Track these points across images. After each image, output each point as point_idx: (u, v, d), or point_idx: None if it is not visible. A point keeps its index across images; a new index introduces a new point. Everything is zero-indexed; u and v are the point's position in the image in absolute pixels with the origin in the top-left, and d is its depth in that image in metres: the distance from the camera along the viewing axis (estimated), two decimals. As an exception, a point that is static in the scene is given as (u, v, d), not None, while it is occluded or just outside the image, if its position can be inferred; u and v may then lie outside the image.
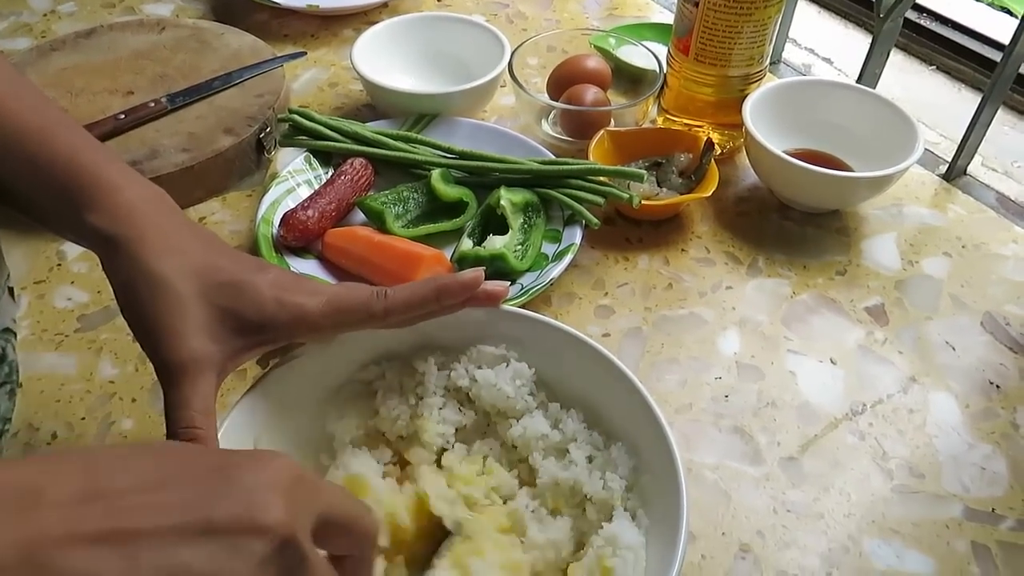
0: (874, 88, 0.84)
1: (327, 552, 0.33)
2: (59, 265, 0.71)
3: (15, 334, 0.51)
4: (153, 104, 0.79)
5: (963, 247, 0.75)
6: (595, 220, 0.69)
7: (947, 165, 0.82)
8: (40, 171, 0.43)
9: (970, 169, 0.83)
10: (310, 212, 0.68)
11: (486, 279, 0.61)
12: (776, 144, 0.73)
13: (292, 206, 0.70)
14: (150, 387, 0.62)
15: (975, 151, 0.81)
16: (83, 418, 0.60)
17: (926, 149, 0.85)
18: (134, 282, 0.42)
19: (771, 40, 0.76)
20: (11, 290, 0.52)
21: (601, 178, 0.72)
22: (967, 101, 0.82)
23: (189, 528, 0.27)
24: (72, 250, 0.72)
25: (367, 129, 0.77)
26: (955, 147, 0.81)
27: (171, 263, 0.42)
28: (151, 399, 0.61)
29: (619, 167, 0.73)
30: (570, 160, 0.73)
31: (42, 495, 0.26)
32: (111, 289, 0.44)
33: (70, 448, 0.45)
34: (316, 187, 0.73)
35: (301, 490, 0.30)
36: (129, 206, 0.43)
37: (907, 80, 0.96)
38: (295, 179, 0.74)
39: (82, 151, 0.44)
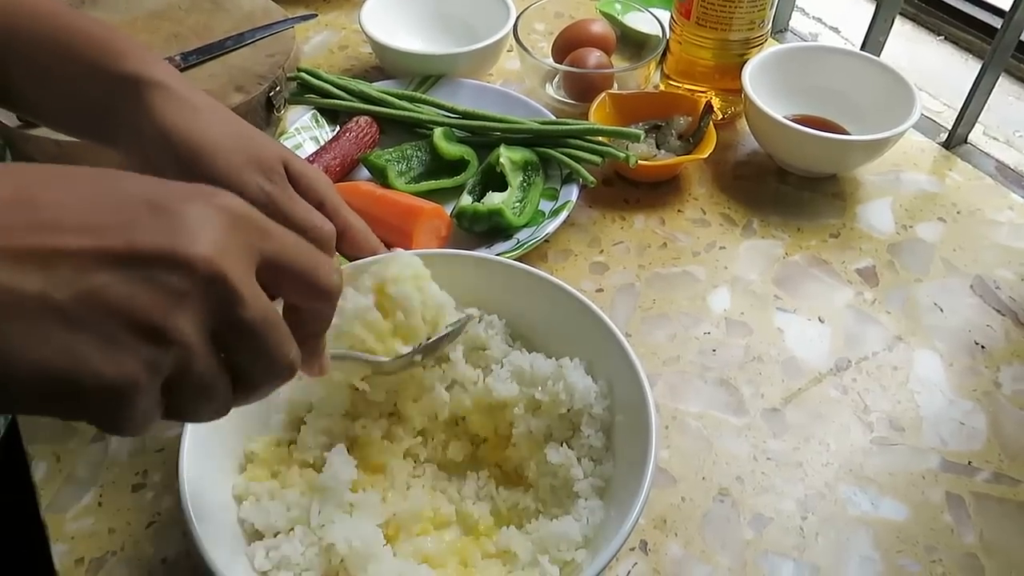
0: (878, 56, 0.84)
1: (283, 299, 0.33)
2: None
3: None
4: (167, 62, 0.81)
5: (958, 213, 0.76)
6: (591, 178, 0.71)
7: (947, 133, 0.83)
8: (62, 40, 0.46)
9: (971, 138, 0.83)
10: (315, 166, 0.70)
11: (485, 234, 0.67)
12: (776, 109, 0.74)
13: (298, 161, 0.73)
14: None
15: (976, 119, 0.81)
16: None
17: (928, 117, 0.86)
18: (186, 111, 0.45)
19: (772, 4, 0.77)
20: None
21: (599, 138, 0.74)
22: (973, 71, 0.82)
23: (109, 252, 0.26)
24: (87, 201, 0.75)
25: (373, 88, 0.79)
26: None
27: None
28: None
29: (616, 127, 0.74)
30: (569, 120, 0.74)
31: None
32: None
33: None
34: (322, 144, 0.75)
35: (243, 228, 0.29)
36: (157, 59, 0.47)
37: (914, 50, 0.96)
38: (302, 135, 0.76)
39: (101, 23, 0.48)
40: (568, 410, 0.50)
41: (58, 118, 0.51)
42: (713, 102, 0.80)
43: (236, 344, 0.30)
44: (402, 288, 0.49)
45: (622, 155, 0.71)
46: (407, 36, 0.88)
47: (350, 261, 0.53)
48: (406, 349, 0.49)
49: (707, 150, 0.74)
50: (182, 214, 0.28)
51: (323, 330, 0.36)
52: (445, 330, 0.50)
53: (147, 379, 0.27)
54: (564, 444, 0.50)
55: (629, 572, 0.51)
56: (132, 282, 0.27)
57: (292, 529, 0.46)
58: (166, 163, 0.46)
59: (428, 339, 0.50)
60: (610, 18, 0.92)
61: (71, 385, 0.26)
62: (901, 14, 0.88)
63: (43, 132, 0.70)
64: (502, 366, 0.53)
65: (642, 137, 0.73)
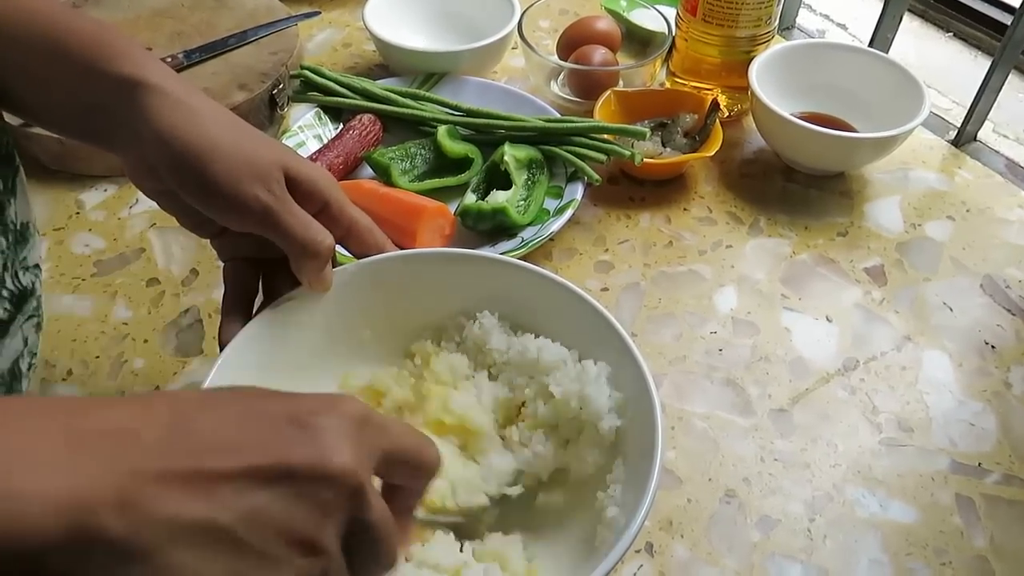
0: (887, 52, 0.84)
1: (386, 481, 0.35)
2: (78, 213, 0.73)
3: (40, 270, 0.53)
4: (170, 60, 0.81)
5: (967, 211, 0.75)
6: (596, 176, 0.70)
7: (956, 131, 0.82)
8: (57, 42, 0.45)
9: (981, 135, 0.82)
10: (318, 164, 0.70)
11: (489, 232, 0.66)
12: (783, 107, 0.73)
13: (301, 159, 0.72)
14: (161, 329, 0.64)
15: (985, 116, 0.81)
16: (97, 356, 0.63)
17: (937, 115, 0.85)
18: (184, 114, 0.45)
19: (779, 1, 0.76)
20: (36, 230, 0.54)
21: (605, 136, 0.73)
22: (982, 68, 0.82)
23: (265, 472, 0.28)
24: (90, 199, 0.75)
25: (376, 86, 0.79)
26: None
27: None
28: (162, 340, 0.64)
29: (622, 125, 0.73)
30: (574, 118, 0.74)
31: (138, 437, 0.27)
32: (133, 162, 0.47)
33: (153, 392, 0.48)
34: (325, 141, 0.75)
35: (368, 432, 0.31)
36: (155, 60, 0.46)
37: (923, 47, 0.95)
38: (305, 133, 0.76)
39: (98, 23, 0.47)
40: (574, 418, 0.50)
41: (55, 120, 0.51)
42: (719, 100, 0.79)
43: (359, 545, 0.32)
44: None
45: (627, 153, 0.71)
46: (411, 33, 0.88)
47: (357, 259, 0.52)
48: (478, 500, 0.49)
49: (713, 148, 0.73)
50: (320, 428, 0.30)
51: (416, 505, 0.37)
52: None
53: None
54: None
55: (635, 574, 0.51)
56: (288, 498, 0.28)
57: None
58: (164, 167, 0.45)
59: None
60: (615, 15, 0.92)
61: None
62: (909, 11, 0.88)
63: (45, 131, 0.69)
64: (507, 359, 0.52)
65: (648, 135, 0.73)
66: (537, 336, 0.53)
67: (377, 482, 0.34)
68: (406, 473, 0.35)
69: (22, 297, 0.48)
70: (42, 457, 0.26)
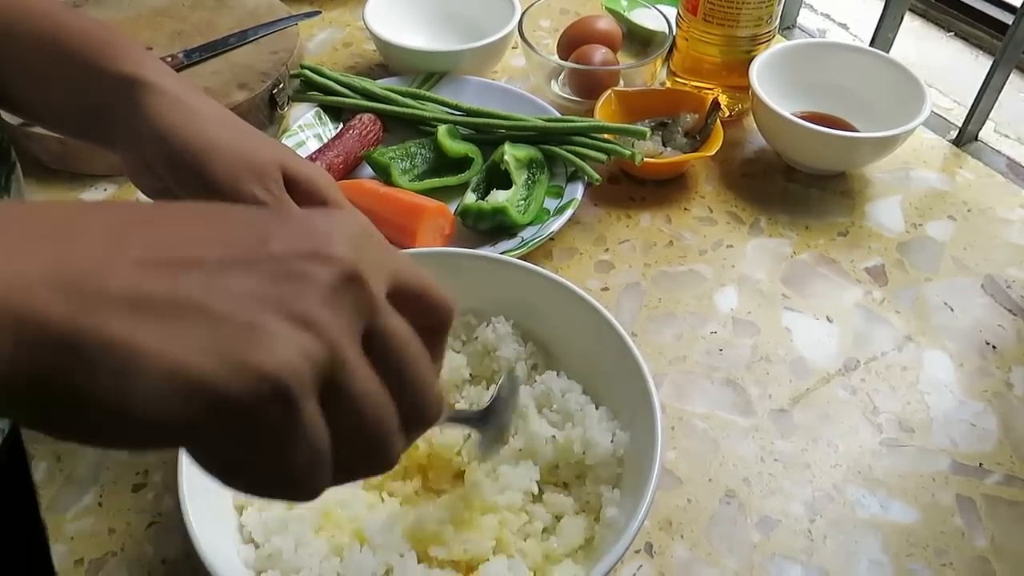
0: (888, 52, 0.83)
1: None
2: (77, 213, 0.73)
3: None
4: (170, 59, 0.81)
5: (969, 211, 0.75)
6: (596, 175, 0.70)
7: (958, 131, 0.82)
8: (55, 40, 0.45)
9: (982, 135, 0.82)
10: (318, 163, 0.70)
11: (489, 232, 0.66)
12: (783, 106, 0.73)
13: (301, 159, 0.72)
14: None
15: (986, 116, 0.80)
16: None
17: (938, 114, 0.85)
18: (182, 112, 0.44)
19: (780, 0, 0.76)
20: None
21: (605, 136, 0.73)
22: (984, 68, 0.82)
23: (244, 258, 0.24)
24: (90, 198, 0.75)
25: (377, 85, 0.79)
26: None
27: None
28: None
29: (622, 124, 0.73)
30: (575, 118, 0.74)
31: (87, 229, 0.24)
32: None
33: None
34: (325, 141, 0.75)
35: (372, 244, 0.27)
36: (153, 59, 0.46)
37: (923, 46, 0.95)
38: (305, 133, 0.76)
39: (97, 22, 0.47)
40: (577, 462, 0.50)
41: (54, 119, 0.51)
42: (720, 99, 0.79)
43: (385, 364, 0.27)
44: None
45: (628, 152, 0.71)
46: (411, 33, 0.88)
47: None
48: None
49: (714, 147, 0.73)
50: (312, 222, 0.26)
51: (442, 352, 0.33)
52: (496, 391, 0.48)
53: (308, 372, 0.24)
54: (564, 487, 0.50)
55: (635, 574, 0.51)
56: (271, 276, 0.24)
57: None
58: (162, 166, 0.45)
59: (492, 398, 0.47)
60: (616, 15, 0.92)
61: (225, 389, 0.22)
62: (910, 10, 0.87)
63: (45, 130, 0.69)
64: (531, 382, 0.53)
65: (648, 135, 0.72)
66: (559, 373, 0.53)
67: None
68: (419, 310, 0.29)
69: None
70: None
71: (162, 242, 0.24)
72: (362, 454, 0.27)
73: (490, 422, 0.45)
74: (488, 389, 0.53)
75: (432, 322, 0.30)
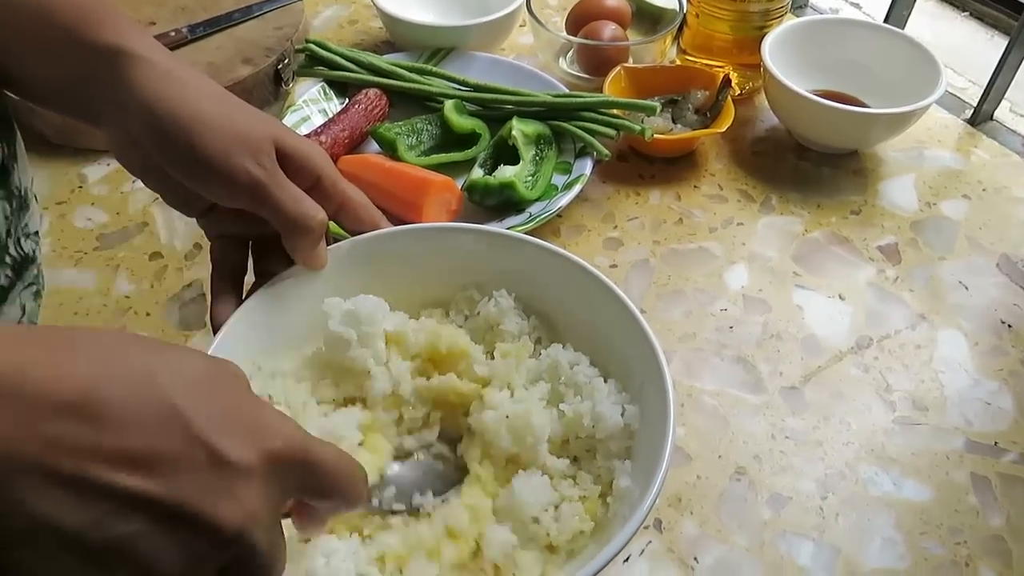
0: (902, 29, 0.82)
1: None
2: (80, 187, 0.73)
3: (39, 237, 0.52)
4: (174, 34, 0.80)
5: (984, 190, 0.73)
6: (605, 151, 0.69)
7: (973, 110, 0.80)
8: (40, 9, 0.44)
9: (997, 115, 0.81)
10: (323, 138, 0.69)
11: (496, 207, 0.65)
12: (796, 84, 0.72)
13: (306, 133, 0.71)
14: (164, 303, 0.64)
15: (1002, 96, 0.79)
16: (99, 330, 0.62)
17: (952, 94, 0.84)
18: (172, 85, 0.43)
19: (793, -25, 0.75)
20: (35, 197, 0.53)
21: (614, 111, 0.72)
22: (998, 47, 0.80)
23: (152, 501, 0.26)
24: (93, 173, 0.74)
25: (383, 60, 0.78)
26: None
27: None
28: (164, 314, 0.63)
29: (632, 100, 0.72)
30: (584, 93, 0.73)
31: (37, 402, 0.25)
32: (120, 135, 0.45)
33: (79, 331, 0.44)
34: (331, 116, 0.74)
35: (292, 471, 0.30)
36: (140, 29, 0.45)
37: (937, 26, 0.94)
38: (310, 108, 0.75)
39: None
40: (587, 436, 0.49)
41: (40, 93, 0.49)
42: (731, 77, 0.78)
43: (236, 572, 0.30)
44: None
45: (637, 128, 0.70)
46: (418, 9, 0.86)
47: (351, 235, 0.51)
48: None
49: (725, 124, 0.72)
50: (234, 471, 0.28)
51: (328, 520, 0.37)
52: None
53: None
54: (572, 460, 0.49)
55: (643, 551, 0.50)
56: (162, 538, 0.26)
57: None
58: (149, 140, 0.43)
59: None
60: (625, -8, 0.90)
61: None
62: (925, -12, 0.86)
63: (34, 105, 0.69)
64: (537, 355, 0.52)
65: (658, 110, 0.71)
66: (565, 346, 0.52)
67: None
68: (325, 505, 0.34)
69: (23, 264, 0.47)
70: None
71: (91, 449, 0.25)
72: None
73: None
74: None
75: (337, 508, 0.34)
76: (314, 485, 0.32)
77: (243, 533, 0.28)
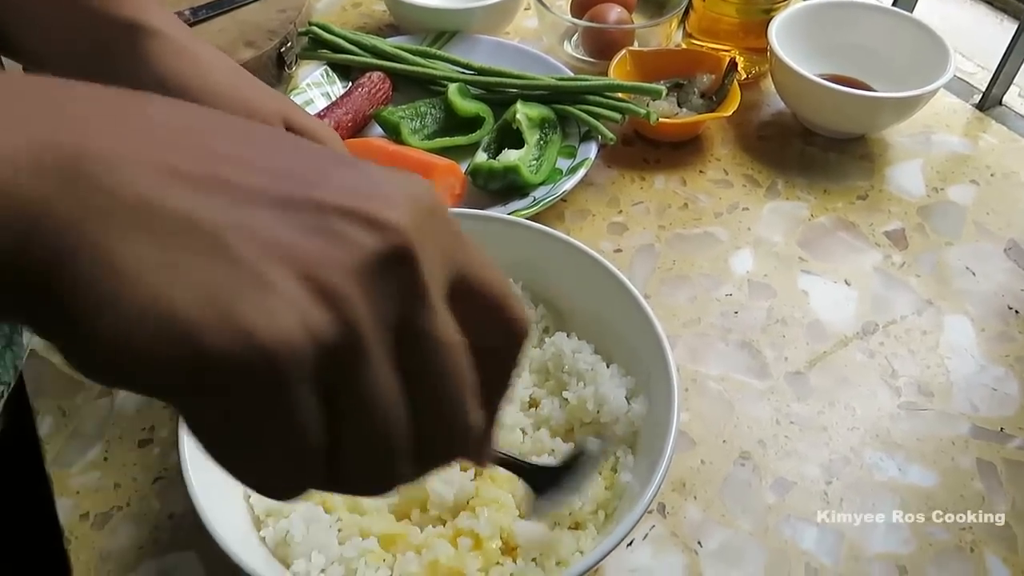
0: (911, 12, 0.81)
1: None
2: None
3: None
4: (166, 8, 0.79)
5: (992, 175, 0.73)
6: (610, 135, 0.69)
7: (981, 95, 0.80)
8: None
9: (1006, 100, 0.80)
10: (326, 122, 0.69)
11: (500, 191, 0.64)
12: (803, 68, 0.71)
13: (309, 117, 0.71)
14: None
15: (1011, 80, 0.78)
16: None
17: (961, 78, 0.83)
18: (185, 60, 0.43)
19: (801, -43, 0.74)
20: None
21: (619, 95, 0.71)
22: (1008, 31, 0.79)
23: (282, 196, 0.20)
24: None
25: (386, 44, 0.77)
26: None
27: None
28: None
29: (637, 83, 0.72)
30: (588, 76, 0.72)
31: (129, 111, 0.21)
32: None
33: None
34: (334, 99, 0.73)
35: (441, 225, 0.23)
36: (156, 4, 0.45)
37: (946, 9, 0.93)
38: (313, 91, 0.74)
39: None
40: (592, 421, 0.49)
41: (55, 65, 0.49)
42: (737, 61, 0.77)
43: (416, 369, 0.22)
44: None
45: (643, 111, 0.69)
46: (422, -8, 0.86)
47: None
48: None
49: (731, 108, 0.71)
50: (376, 176, 0.22)
51: (504, 391, 0.26)
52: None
53: (307, 349, 0.19)
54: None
55: (647, 535, 0.50)
56: (306, 228, 0.20)
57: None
58: None
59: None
60: (631, -25, 0.89)
61: (210, 343, 0.19)
62: (934, -29, 0.85)
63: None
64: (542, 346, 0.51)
65: (664, 94, 0.71)
66: (569, 335, 0.52)
67: None
68: (489, 320, 0.24)
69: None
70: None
71: (196, 152, 0.20)
72: (356, 470, 0.22)
73: (549, 485, 0.41)
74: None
75: (500, 342, 0.25)
76: (471, 268, 0.23)
77: (405, 232, 0.21)
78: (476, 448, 0.25)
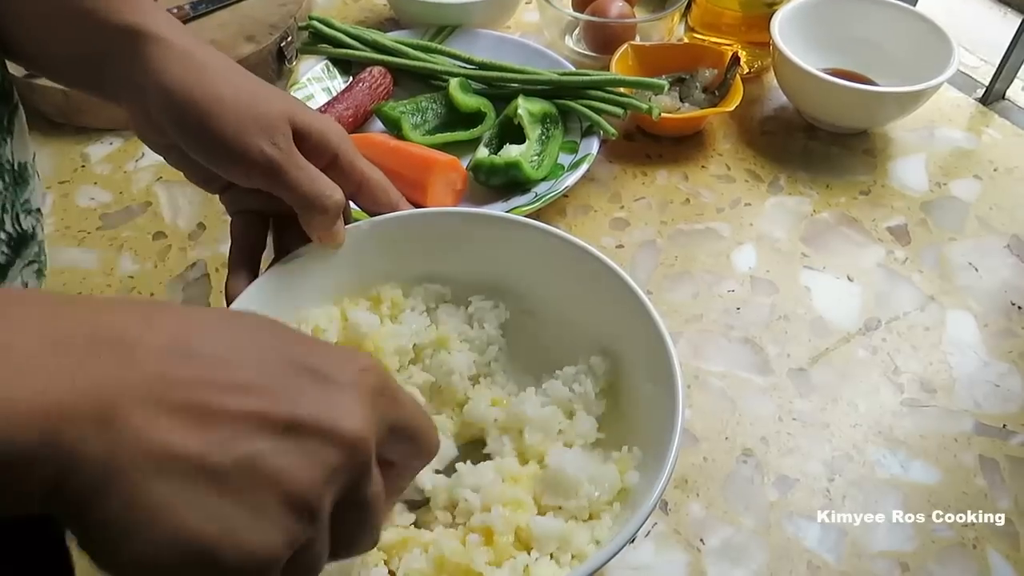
0: (914, 6, 0.81)
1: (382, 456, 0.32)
2: (83, 166, 0.72)
3: (42, 215, 0.52)
4: (176, 11, 0.79)
5: (995, 170, 0.72)
6: (612, 130, 0.68)
7: (985, 89, 0.79)
8: None
9: (1009, 94, 0.80)
10: (327, 117, 0.68)
11: (502, 187, 0.64)
12: (806, 62, 0.71)
13: (310, 112, 0.70)
14: (167, 282, 0.63)
15: (1015, 75, 0.78)
16: (103, 309, 0.61)
17: (964, 73, 0.82)
18: (189, 66, 0.43)
19: (804, -49, 0.74)
20: (37, 174, 0.53)
21: (621, 90, 0.71)
22: (1012, 25, 0.79)
23: (270, 420, 0.25)
24: (96, 152, 0.73)
25: (387, 38, 0.77)
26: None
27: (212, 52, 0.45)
28: (169, 294, 0.62)
29: (639, 78, 0.71)
30: (590, 71, 0.72)
31: (132, 351, 0.24)
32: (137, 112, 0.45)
33: (156, 301, 0.42)
34: (334, 94, 0.73)
35: (383, 399, 0.29)
36: (158, 9, 0.45)
37: (949, 4, 0.92)
38: (313, 86, 0.74)
39: None
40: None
41: (58, 70, 0.49)
42: (739, 55, 0.77)
43: (349, 519, 0.28)
44: None
45: (645, 107, 0.69)
46: (422, -14, 0.85)
47: (370, 216, 0.51)
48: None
49: (733, 103, 0.71)
50: (340, 387, 0.27)
51: (408, 484, 0.35)
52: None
53: (285, 554, 0.25)
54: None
55: (649, 532, 0.50)
56: (291, 453, 0.25)
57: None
58: (167, 121, 0.43)
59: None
60: (633, -31, 0.89)
61: (211, 557, 0.24)
62: (938, -35, 0.84)
63: (50, 82, 0.68)
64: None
65: (666, 89, 0.70)
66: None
67: None
68: (406, 451, 0.32)
69: (21, 241, 0.47)
70: (19, 358, 0.23)
71: (204, 382, 0.25)
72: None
73: None
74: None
75: (417, 459, 0.32)
76: (400, 420, 0.30)
77: (364, 438, 0.27)
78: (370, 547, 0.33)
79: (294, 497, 0.25)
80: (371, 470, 0.28)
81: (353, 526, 0.29)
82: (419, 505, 0.45)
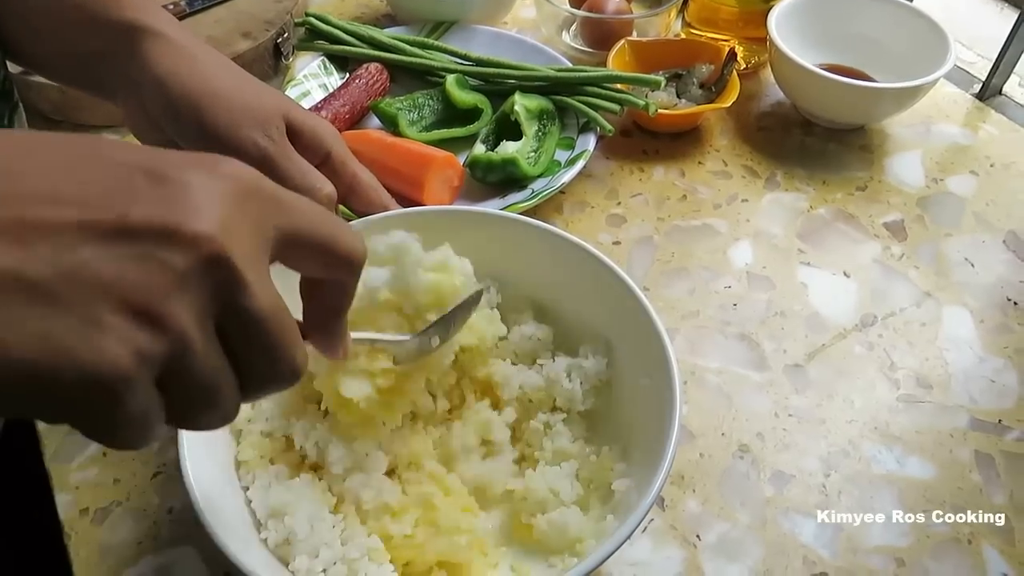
0: (911, 1, 0.81)
1: (301, 273, 0.30)
2: (79, 163, 0.72)
3: None
4: (172, 7, 0.79)
5: (992, 166, 0.72)
6: (609, 126, 0.68)
7: (981, 84, 0.79)
8: None
9: (1006, 89, 0.80)
10: (323, 113, 0.68)
11: (499, 184, 0.64)
12: (802, 58, 0.71)
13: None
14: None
15: (1011, 70, 0.78)
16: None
17: (961, 68, 0.82)
18: (184, 60, 0.43)
19: (801, -54, 0.73)
20: None
21: (618, 86, 0.71)
22: (1008, 20, 0.79)
23: (97, 226, 0.23)
24: (92, 149, 0.73)
25: (384, 34, 0.77)
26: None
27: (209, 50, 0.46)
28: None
29: (636, 74, 0.71)
30: (587, 67, 0.72)
31: None
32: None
33: None
34: (331, 91, 0.73)
35: (254, 201, 0.26)
36: (155, 5, 0.45)
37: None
38: (310, 82, 0.74)
39: None
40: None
41: (54, 68, 0.49)
42: (736, 51, 0.77)
43: (238, 338, 0.26)
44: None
45: (641, 103, 0.69)
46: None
47: (358, 217, 0.51)
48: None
49: (730, 99, 0.71)
50: (183, 184, 0.25)
51: (346, 306, 0.32)
52: (459, 301, 0.45)
53: (137, 370, 0.23)
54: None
55: (645, 528, 0.50)
56: (122, 259, 0.23)
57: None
58: (163, 115, 0.44)
59: (442, 314, 0.44)
60: (630, -36, 0.89)
61: (50, 378, 0.22)
62: (935, -40, 0.84)
63: (46, 79, 0.68)
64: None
65: (663, 84, 0.70)
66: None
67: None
68: (319, 261, 0.29)
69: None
70: None
71: (19, 196, 0.23)
72: (191, 417, 0.27)
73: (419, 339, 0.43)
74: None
75: (340, 273, 0.30)
76: (294, 227, 0.27)
77: (211, 237, 0.24)
78: (330, 352, 0.32)
79: (132, 304, 0.23)
80: (242, 277, 0.25)
81: (246, 347, 0.26)
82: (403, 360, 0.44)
